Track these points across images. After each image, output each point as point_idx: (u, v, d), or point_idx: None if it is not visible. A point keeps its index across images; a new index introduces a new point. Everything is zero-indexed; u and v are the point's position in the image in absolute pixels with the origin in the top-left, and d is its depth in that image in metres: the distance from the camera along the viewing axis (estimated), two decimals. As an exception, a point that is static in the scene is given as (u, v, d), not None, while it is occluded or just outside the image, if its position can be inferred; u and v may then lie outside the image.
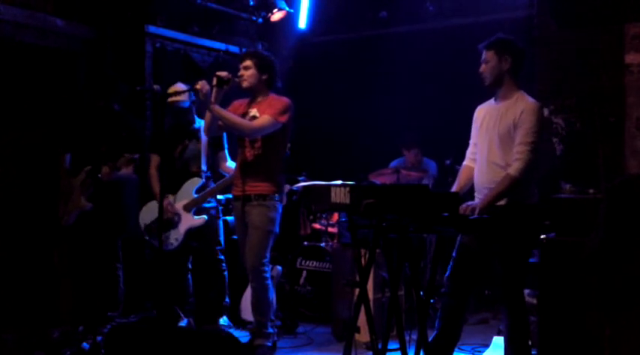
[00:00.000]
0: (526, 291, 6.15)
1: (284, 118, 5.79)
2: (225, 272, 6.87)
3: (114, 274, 6.72)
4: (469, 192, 5.31)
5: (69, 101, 6.62)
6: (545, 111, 7.15)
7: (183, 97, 6.58)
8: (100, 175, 6.42)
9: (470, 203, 4.90)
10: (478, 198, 5.09)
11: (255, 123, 5.77)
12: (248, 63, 5.90)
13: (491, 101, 5.21)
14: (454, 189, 5.31)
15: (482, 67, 5.12)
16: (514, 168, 4.85)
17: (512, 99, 5.02)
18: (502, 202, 4.91)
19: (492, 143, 5.04)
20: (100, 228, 6.51)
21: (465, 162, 5.38)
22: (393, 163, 8.49)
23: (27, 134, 7.37)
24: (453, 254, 5.14)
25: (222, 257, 6.85)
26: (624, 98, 6.74)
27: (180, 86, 6.63)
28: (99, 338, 5.93)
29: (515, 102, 5.00)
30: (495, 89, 5.13)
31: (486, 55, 5.10)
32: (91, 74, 7.41)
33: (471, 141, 5.36)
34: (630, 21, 6.73)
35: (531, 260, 5.48)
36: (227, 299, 6.93)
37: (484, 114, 5.20)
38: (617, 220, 4.47)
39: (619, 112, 6.74)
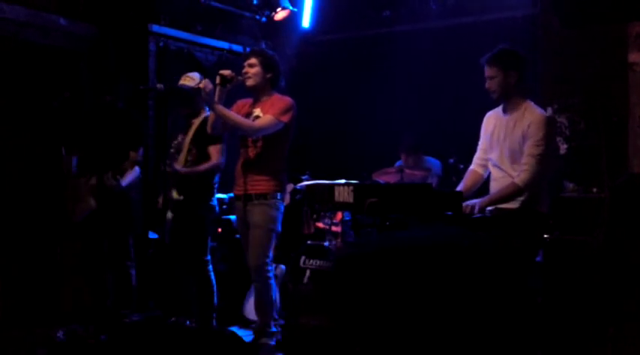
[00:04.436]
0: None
1: (286, 118, 5.78)
2: (211, 274, 6.57)
3: (126, 272, 6.72)
4: (473, 196, 5.32)
5: (72, 100, 6.62)
6: (549, 110, 7.15)
7: (191, 83, 6.36)
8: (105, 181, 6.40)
9: (470, 202, 4.92)
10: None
11: (257, 122, 5.77)
12: (253, 61, 5.89)
13: (499, 110, 5.21)
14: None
15: (489, 83, 5.11)
16: (520, 179, 4.89)
17: (520, 111, 5.03)
18: (515, 205, 4.94)
19: (503, 155, 5.08)
20: (110, 226, 6.50)
21: (471, 167, 5.40)
22: (399, 163, 8.48)
23: (30, 132, 7.38)
24: None
25: (209, 257, 6.57)
26: (627, 97, 6.74)
27: (195, 75, 6.47)
28: (102, 337, 5.93)
29: (523, 114, 5.01)
30: (503, 102, 5.14)
31: (491, 71, 5.08)
32: (95, 72, 7.40)
33: (479, 147, 5.37)
34: (633, 20, 6.73)
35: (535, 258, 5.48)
36: (215, 301, 6.66)
37: (493, 125, 5.21)
38: (621, 219, 4.47)
39: (622, 111, 6.75)
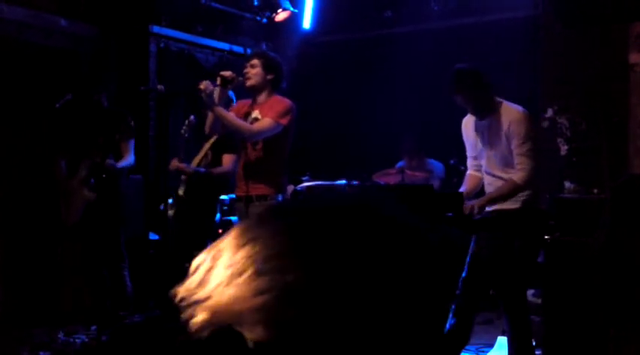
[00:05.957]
0: (531, 291, 6.17)
1: (285, 121, 5.74)
2: None
3: (119, 274, 6.67)
4: (476, 198, 5.33)
5: (74, 102, 6.60)
6: (550, 112, 7.15)
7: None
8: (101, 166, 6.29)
9: (470, 202, 4.93)
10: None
11: (256, 126, 5.73)
12: (255, 61, 5.87)
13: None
14: None
15: (466, 107, 5.14)
16: (518, 177, 4.91)
17: (497, 113, 5.04)
18: (517, 205, 4.97)
19: (492, 161, 5.11)
20: (103, 225, 6.43)
21: (469, 172, 5.43)
22: (400, 164, 8.48)
23: (31, 133, 7.38)
24: (467, 258, 5.16)
25: None
26: (628, 98, 6.73)
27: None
28: (103, 337, 5.92)
29: (500, 115, 5.02)
30: None
31: (460, 99, 5.09)
32: (95, 73, 7.36)
33: (468, 155, 5.40)
34: (635, 21, 6.73)
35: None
36: None
37: (473, 132, 5.23)
38: (622, 219, 4.46)
39: (623, 112, 6.74)
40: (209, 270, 0.96)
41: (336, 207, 0.97)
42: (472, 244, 5.16)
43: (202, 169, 6.37)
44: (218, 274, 0.95)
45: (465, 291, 5.12)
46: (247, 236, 0.95)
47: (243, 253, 0.94)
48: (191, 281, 0.97)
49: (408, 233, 0.96)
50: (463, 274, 5.15)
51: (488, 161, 5.13)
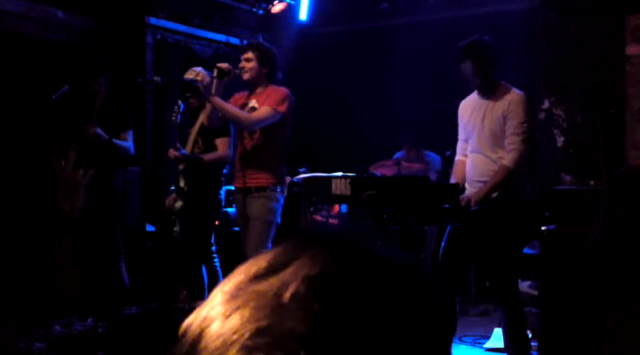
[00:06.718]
0: (527, 283, 6.18)
1: (283, 108, 5.74)
2: (217, 266, 6.58)
3: (116, 266, 6.66)
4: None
5: (70, 93, 6.58)
6: (546, 103, 7.16)
7: (193, 75, 6.30)
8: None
9: (464, 195, 4.93)
10: (469, 190, 5.11)
11: (254, 115, 5.73)
12: (249, 55, 5.87)
13: (474, 95, 5.23)
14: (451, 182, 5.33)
15: (466, 75, 5.14)
16: (509, 159, 4.89)
17: (498, 93, 5.05)
18: (494, 194, 4.94)
19: (481, 137, 5.08)
20: (99, 218, 6.42)
21: (457, 157, 5.41)
22: (397, 155, 8.50)
23: (28, 125, 7.37)
24: (443, 243, 5.14)
25: (215, 249, 6.57)
26: (625, 90, 6.74)
27: (198, 69, 6.38)
28: (100, 329, 5.93)
29: (501, 95, 5.03)
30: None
31: (469, 66, 5.09)
32: (92, 65, 7.34)
33: (460, 138, 5.39)
34: (631, 13, 6.74)
35: (532, 251, 5.50)
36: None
37: (470, 110, 5.22)
38: (618, 211, 4.47)
39: (620, 104, 6.75)
40: (197, 340, 0.90)
41: (325, 268, 0.90)
42: (449, 226, 5.15)
43: (189, 154, 6.26)
44: (206, 346, 0.89)
45: (445, 264, 5.06)
46: (235, 302, 0.89)
47: (231, 324, 0.88)
48: (180, 348, 0.91)
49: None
50: (443, 243, 5.11)
51: (478, 140, 5.10)
